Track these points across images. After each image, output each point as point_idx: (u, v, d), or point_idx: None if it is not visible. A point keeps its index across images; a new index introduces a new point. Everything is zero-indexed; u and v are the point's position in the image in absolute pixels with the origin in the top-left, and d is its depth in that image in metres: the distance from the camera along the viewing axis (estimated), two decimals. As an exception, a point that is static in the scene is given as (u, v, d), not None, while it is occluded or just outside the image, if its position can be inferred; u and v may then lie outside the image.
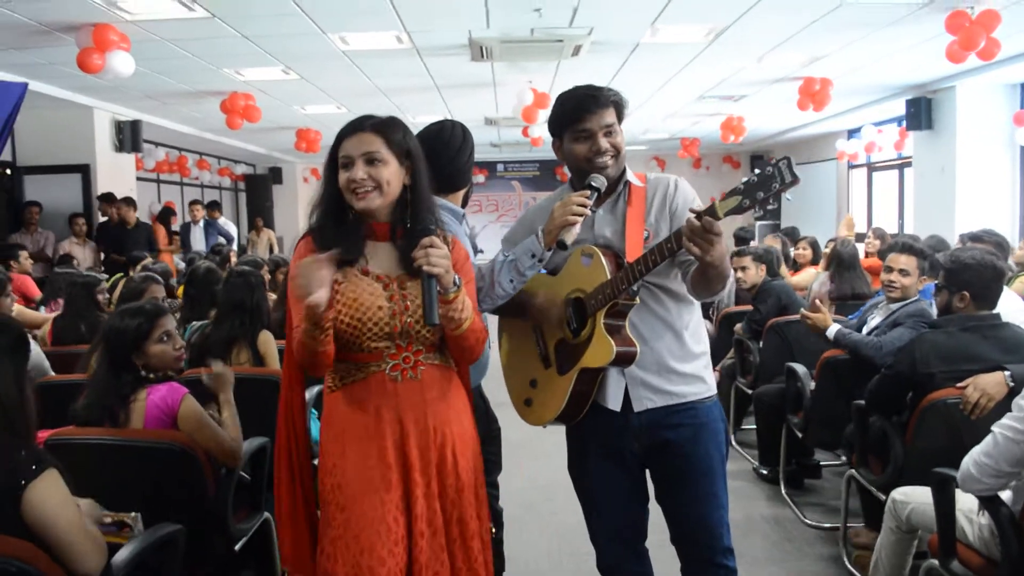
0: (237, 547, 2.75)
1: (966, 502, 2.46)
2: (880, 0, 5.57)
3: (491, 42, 6.47)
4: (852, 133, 12.22)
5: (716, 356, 5.04)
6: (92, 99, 8.31)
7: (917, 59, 7.40)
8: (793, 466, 4.40)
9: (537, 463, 4.53)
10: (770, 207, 1.81)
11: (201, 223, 10.65)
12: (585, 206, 2.03)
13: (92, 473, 2.38)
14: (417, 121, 2.61)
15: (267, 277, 4.79)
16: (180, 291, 5.08)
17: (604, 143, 2.09)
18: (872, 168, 12.36)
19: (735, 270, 5.18)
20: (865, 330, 3.74)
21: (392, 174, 1.92)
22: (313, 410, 3.21)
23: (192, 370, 3.01)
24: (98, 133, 8.61)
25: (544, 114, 7.81)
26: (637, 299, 2.07)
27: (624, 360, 2.05)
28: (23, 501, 1.80)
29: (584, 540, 2.37)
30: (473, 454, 2.03)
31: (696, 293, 2.11)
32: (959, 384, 2.84)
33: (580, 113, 2.10)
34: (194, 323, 3.96)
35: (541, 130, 8.96)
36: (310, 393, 2.95)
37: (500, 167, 18.19)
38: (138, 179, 9.93)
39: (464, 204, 2.63)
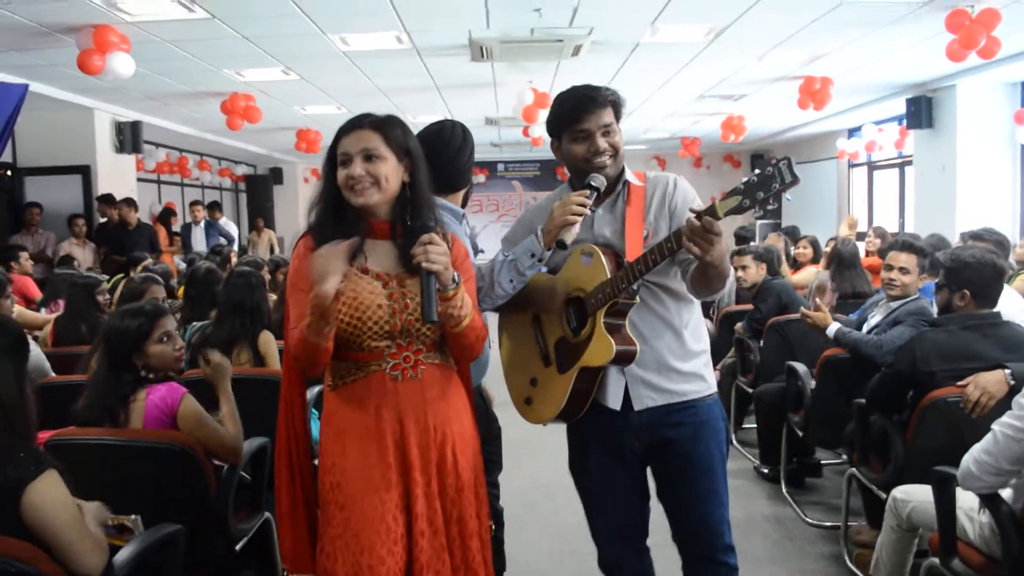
0: (238, 547, 2.75)
1: (967, 500, 2.46)
2: (880, -1, 5.57)
3: (491, 42, 6.47)
4: (853, 132, 12.21)
5: (717, 355, 5.04)
6: (92, 100, 8.31)
7: (917, 58, 7.39)
8: (794, 465, 4.40)
9: (538, 463, 4.53)
10: (770, 207, 1.81)
11: (202, 224, 10.66)
12: (584, 206, 2.03)
13: (93, 473, 2.38)
14: (417, 121, 2.62)
15: (267, 277, 4.79)
16: (181, 292, 5.09)
17: (602, 143, 2.10)
18: (873, 167, 12.36)
19: (736, 269, 5.18)
20: (865, 328, 3.74)
21: (390, 170, 1.91)
22: (314, 410, 3.21)
23: (192, 371, 3.01)
24: (98, 134, 8.62)
25: (544, 114, 7.81)
26: (637, 298, 2.07)
27: (624, 359, 2.05)
28: (22, 502, 1.80)
29: (585, 539, 2.37)
30: (473, 453, 2.03)
31: (696, 292, 2.11)
32: (960, 382, 2.84)
33: (578, 113, 2.10)
34: (195, 323, 3.97)
35: (541, 130, 8.94)
36: (310, 393, 2.95)
37: (501, 167, 18.19)
38: (139, 180, 9.94)
39: (464, 204, 2.62)
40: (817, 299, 4.29)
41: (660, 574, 2.36)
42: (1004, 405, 2.39)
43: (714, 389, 2.23)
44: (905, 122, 9.28)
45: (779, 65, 7.74)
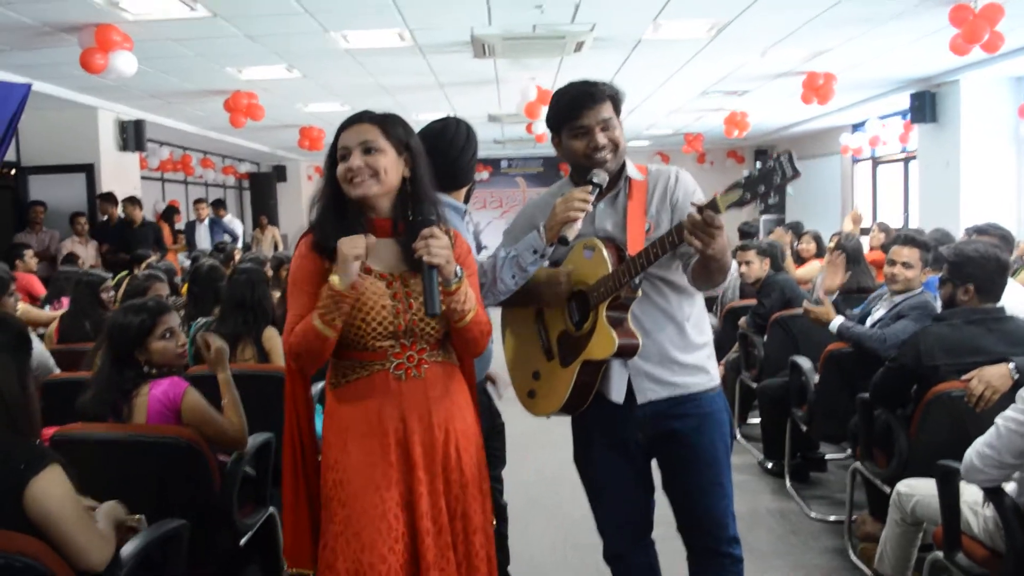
0: (242, 542, 2.76)
1: (971, 494, 2.46)
2: (882, -6, 5.56)
3: (493, 39, 6.47)
4: (856, 127, 12.18)
5: (721, 350, 5.05)
6: (96, 99, 8.31)
7: (921, 53, 7.37)
8: (798, 459, 4.40)
9: (542, 457, 4.53)
10: (772, 201, 1.83)
11: (206, 221, 10.66)
12: (587, 202, 2.03)
13: (97, 469, 2.40)
14: (420, 119, 2.61)
15: (270, 274, 4.80)
16: (184, 289, 5.10)
17: (602, 139, 2.09)
18: (877, 162, 12.33)
19: (740, 264, 5.18)
20: (869, 323, 3.73)
21: (390, 163, 1.91)
22: (319, 405, 3.22)
23: (196, 367, 3.02)
24: (102, 133, 8.63)
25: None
26: (639, 292, 2.07)
27: (627, 352, 2.05)
28: (25, 496, 1.81)
29: (589, 533, 2.38)
30: (476, 449, 2.04)
31: (697, 285, 2.11)
32: (964, 377, 2.84)
33: (576, 110, 2.10)
34: (199, 320, 3.98)
35: (544, 126, 8.93)
36: (315, 388, 2.96)
37: (504, 163, 18.18)
38: (142, 178, 9.95)
39: (466, 200, 2.62)
40: (821, 293, 4.29)
41: (665, 567, 2.36)
42: (1008, 399, 2.39)
43: (717, 381, 2.23)
44: (909, 117, 9.25)
45: (782, 61, 7.72)
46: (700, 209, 1.82)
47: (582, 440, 2.30)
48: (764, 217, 12.68)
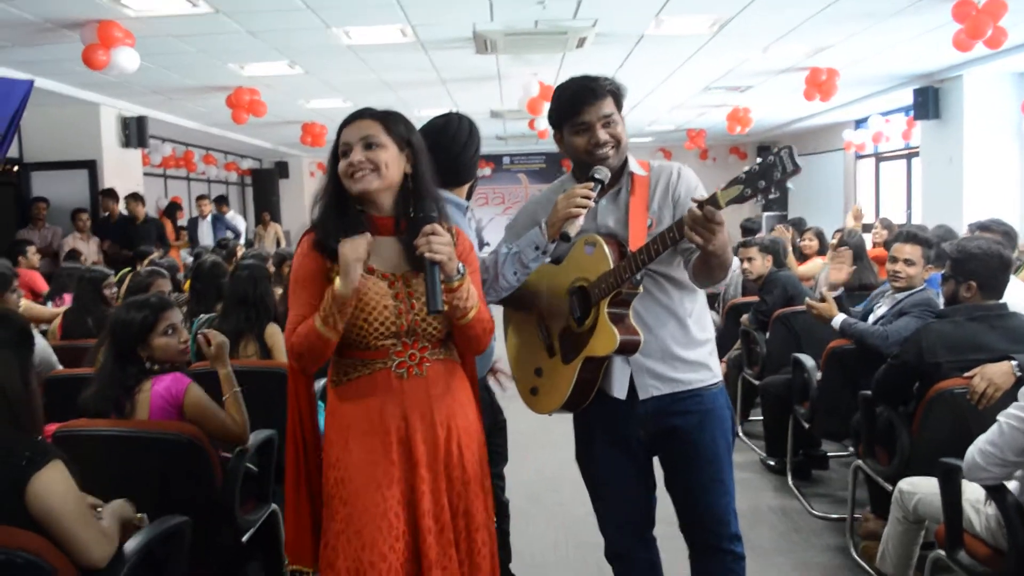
0: (244, 538, 2.76)
1: (973, 492, 2.45)
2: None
3: (495, 35, 6.46)
4: (859, 123, 12.17)
5: (723, 347, 5.04)
6: (98, 95, 8.32)
7: (924, 48, 7.36)
8: (800, 457, 4.39)
9: (544, 455, 4.53)
10: (773, 196, 1.81)
11: (208, 218, 10.67)
12: (589, 199, 2.02)
13: (100, 465, 2.40)
14: (422, 115, 2.61)
15: (272, 270, 4.80)
16: (187, 285, 5.10)
17: (603, 135, 2.09)
18: (879, 158, 12.31)
19: (742, 261, 5.18)
20: (871, 319, 3.73)
21: (391, 158, 1.90)
22: (321, 402, 3.22)
23: (198, 363, 3.02)
24: (104, 129, 8.64)
25: (549, 106, 7.79)
26: (641, 288, 2.07)
27: (628, 348, 2.05)
28: (27, 492, 1.81)
29: (590, 531, 2.38)
30: (478, 446, 2.03)
31: (698, 280, 2.11)
32: (966, 374, 2.83)
33: (577, 106, 2.09)
34: (201, 316, 3.98)
35: (546, 122, 8.94)
36: (318, 385, 2.96)
37: (506, 160, 18.17)
38: (145, 175, 9.95)
39: (468, 197, 2.61)
40: (824, 289, 4.28)
41: (667, 564, 2.36)
42: (1010, 397, 2.39)
43: (719, 378, 2.23)
44: (912, 113, 9.23)
45: (784, 57, 7.71)
46: (700, 205, 1.82)
47: (584, 437, 2.30)
48: (766, 213, 12.67)
